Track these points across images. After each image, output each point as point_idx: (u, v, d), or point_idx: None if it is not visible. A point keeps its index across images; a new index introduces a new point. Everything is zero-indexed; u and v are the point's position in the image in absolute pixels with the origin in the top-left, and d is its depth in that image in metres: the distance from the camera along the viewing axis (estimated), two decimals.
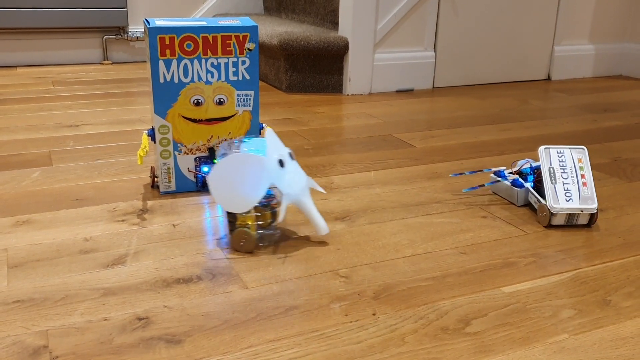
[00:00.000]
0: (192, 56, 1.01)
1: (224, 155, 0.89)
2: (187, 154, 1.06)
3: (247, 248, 0.88)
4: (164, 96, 1.03)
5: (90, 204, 1.03)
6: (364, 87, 2.02)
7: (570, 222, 1.00)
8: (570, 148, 1.04)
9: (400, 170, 1.25)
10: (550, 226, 1.00)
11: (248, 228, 0.87)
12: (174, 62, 1.01)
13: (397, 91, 2.08)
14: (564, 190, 0.99)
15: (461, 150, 1.41)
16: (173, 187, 1.08)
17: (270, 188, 0.88)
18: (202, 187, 1.09)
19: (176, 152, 1.06)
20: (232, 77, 1.04)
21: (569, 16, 2.33)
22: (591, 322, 0.73)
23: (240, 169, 0.85)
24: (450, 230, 0.97)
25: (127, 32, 2.45)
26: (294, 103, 1.86)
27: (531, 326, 0.72)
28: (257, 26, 1.03)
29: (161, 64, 1.01)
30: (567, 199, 0.98)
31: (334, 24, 2.10)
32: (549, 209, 0.98)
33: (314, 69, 1.99)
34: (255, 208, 0.88)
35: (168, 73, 1.01)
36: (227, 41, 1.02)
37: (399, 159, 1.33)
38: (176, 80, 1.02)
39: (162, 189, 1.08)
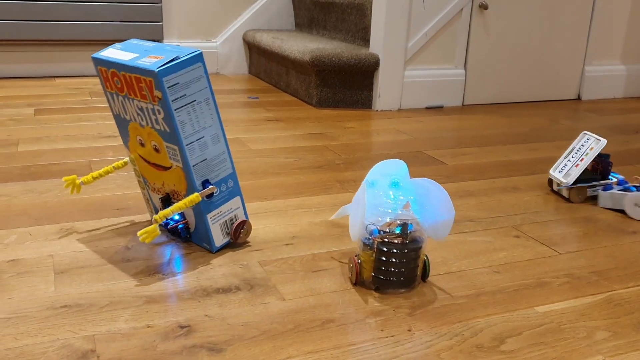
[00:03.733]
0: (122, 94, 0.88)
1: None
2: (154, 191, 0.96)
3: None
4: (121, 129, 0.93)
5: (131, 213, 1.06)
6: (394, 103, 2.04)
7: (558, 190, 1.26)
8: (595, 137, 1.22)
9: None
10: (552, 190, 1.28)
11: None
12: (115, 96, 0.90)
13: (427, 108, 2.09)
14: (564, 165, 1.23)
15: (492, 169, 1.42)
16: None
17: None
18: (167, 229, 0.97)
19: (147, 186, 0.97)
20: (156, 126, 0.86)
21: (600, 36, 2.33)
22: (627, 344, 0.73)
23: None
24: (483, 249, 0.98)
25: None
26: (324, 118, 1.88)
27: (566, 346, 0.72)
28: (158, 72, 0.79)
29: (108, 96, 0.91)
30: (560, 171, 1.23)
31: (365, 41, 2.13)
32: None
33: (344, 85, 2.02)
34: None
35: (115, 106, 0.91)
36: (140, 84, 0.83)
37: (430, 175, 1.34)
38: (122, 115, 0.91)
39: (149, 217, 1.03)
